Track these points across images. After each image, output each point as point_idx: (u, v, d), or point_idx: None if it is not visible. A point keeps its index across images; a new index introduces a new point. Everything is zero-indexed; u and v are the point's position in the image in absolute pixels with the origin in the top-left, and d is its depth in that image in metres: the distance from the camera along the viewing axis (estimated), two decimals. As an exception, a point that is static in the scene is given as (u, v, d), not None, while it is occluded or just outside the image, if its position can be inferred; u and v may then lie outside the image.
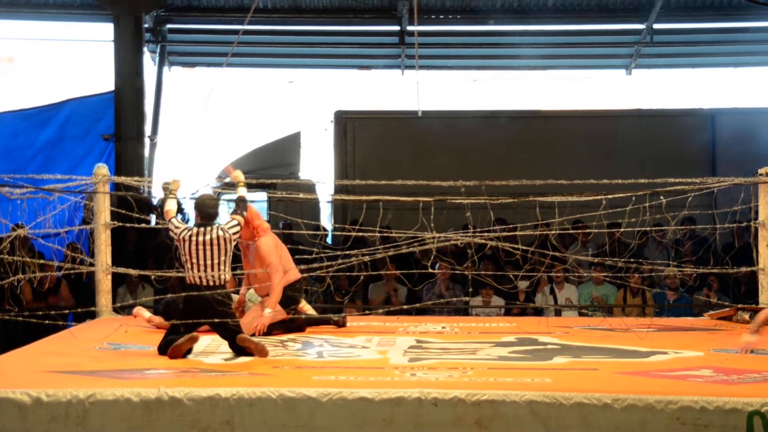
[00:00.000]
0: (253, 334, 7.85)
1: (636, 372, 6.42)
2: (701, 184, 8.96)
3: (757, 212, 9.22)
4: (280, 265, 8.27)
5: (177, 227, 7.32)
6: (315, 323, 8.78)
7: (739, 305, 9.38)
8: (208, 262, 7.14)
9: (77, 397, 5.56)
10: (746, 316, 9.04)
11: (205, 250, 7.17)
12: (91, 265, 9.44)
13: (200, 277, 7.15)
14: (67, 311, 8.98)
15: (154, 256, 12.29)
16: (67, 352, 7.19)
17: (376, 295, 12.17)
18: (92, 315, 9.33)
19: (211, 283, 7.16)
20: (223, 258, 7.20)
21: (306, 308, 8.84)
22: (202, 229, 7.26)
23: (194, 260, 7.16)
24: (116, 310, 9.59)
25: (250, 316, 8.23)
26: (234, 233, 7.32)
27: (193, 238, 7.21)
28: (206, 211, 7.42)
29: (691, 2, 16.71)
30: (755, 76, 19.39)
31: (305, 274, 9.18)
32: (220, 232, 7.25)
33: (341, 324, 8.86)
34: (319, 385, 5.72)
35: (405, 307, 10.13)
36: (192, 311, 7.13)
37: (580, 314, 11.52)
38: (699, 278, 11.12)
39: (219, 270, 7.16)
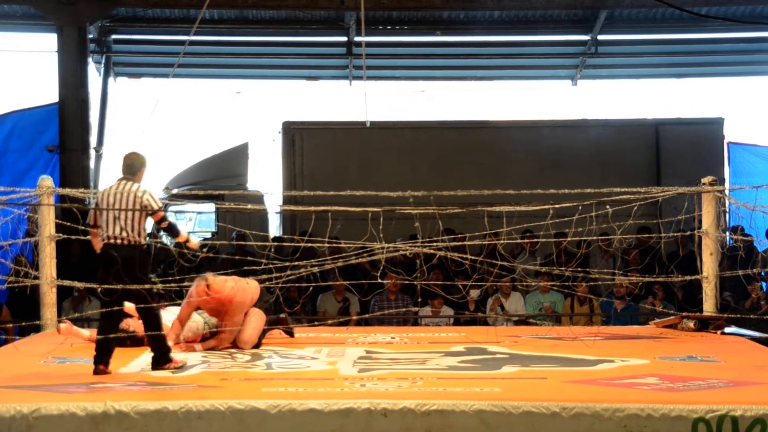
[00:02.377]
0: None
1: (583, 380, 6.47)
2: (646, 194, 9.06)
3: (700, 221, 9.35)
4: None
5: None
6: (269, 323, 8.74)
7: (684, 313, 9.49)
8: (119, 217, 6.88)
9: (21, 412, 5.48)
10: (691, 324, 9.16)
11: (115, 201, 6.95)
12: (36, 278, 9.30)
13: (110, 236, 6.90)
14: (11, 324, 8.84)
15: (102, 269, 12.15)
16: (10, 366, 7.07)
17: (325, 305, 12.14)
18: (37, 329, 9.20)
19: (124, 242, 6.91)
20: (132, 216, 6.92)
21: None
22: (117, 182, 7.08)
23: (106, 215, 6.92)
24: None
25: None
26: (146, 200, 7.01)
27: (108, 190, 7.05)
28: (125, 163, 7.23)
29: (634, 14, 16.93)
30: (698, 86, 19.70)
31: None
32: (137, 191, 6.99)
33: (291, 334, 8.82)
34: (268, 397, 5.68)
35: (354, 318, 10.11)
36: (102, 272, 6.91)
37: (527, 323, 11.58)
38: (644, 287, 11.25)
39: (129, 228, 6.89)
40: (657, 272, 9.58)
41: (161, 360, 6.97)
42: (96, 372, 6.78)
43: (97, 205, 7.07)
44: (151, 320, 7.06)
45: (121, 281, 6.88)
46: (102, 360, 6.84)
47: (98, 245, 7.08)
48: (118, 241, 6.92)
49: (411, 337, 9.05)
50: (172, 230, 7.36)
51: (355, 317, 10.49)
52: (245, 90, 20.10)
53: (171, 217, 7.25)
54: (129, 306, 8.35)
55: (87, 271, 11.89)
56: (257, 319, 8.38)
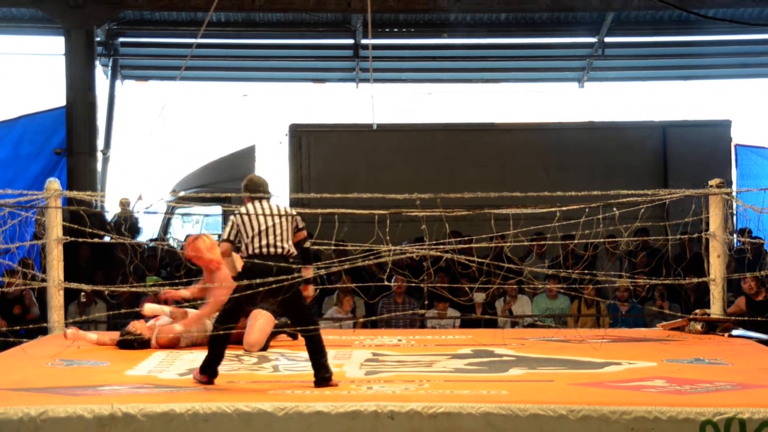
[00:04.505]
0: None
1: (590, 383, 6.46)
2: (653, 196, 9.05)
3: (707, 223, 9.33)
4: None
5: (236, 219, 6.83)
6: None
7: (691, 315, 9.48)
8: (275, 231, 6.66)
9: (29, 415, 5.48)
10: (698, 327, 9.14)
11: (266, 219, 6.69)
12: (43, 280, 9.33)
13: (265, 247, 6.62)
14: (18, 327, 8.86)
15: (106, 272, 12.19)
16: (18, 369, 7.09)
17: (331, 306, 12.14)
18: (44, 331, 9.22)
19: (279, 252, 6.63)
20: (285, 227, 6.72)
21: None
22: (258, 202, 6.86)
23: (255, 231, 6.64)
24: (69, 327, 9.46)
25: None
26: (289, 211, 6.88)
27: (252, 211, 6.77)
28: (256, 189, 7.02)
29: (641, 16, 16.93)
30: (705, 89, 19.69)
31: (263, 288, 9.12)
32: (274, 204, 6.86)
33: (295, 336, 8.80)
34: (275, 400, 5.69)
35: (361, 320, 10.12)
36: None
37: (532, 325, 11.58)
38: (652, 289, 11.24)
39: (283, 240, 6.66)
40: (663, 274, 9.55)
41: (326, 375, 6.49)
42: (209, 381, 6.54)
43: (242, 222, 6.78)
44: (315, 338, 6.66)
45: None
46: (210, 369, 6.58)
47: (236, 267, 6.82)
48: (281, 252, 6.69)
49: (418, 339, 9.04)
50: (308, 257, 7.09)
51: (361, 319, 10.49)
52: (252, 93, 20.14)
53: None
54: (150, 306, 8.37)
55: (94, 275, 11.98)
56: (265, 321, 8.35)
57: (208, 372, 6.52)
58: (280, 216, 6.79)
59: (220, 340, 6.60)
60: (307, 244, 7.01)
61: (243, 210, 6.84)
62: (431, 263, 9.55)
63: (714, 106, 19.93)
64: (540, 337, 9.21)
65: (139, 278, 9.02)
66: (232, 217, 6.91)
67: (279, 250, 6.66)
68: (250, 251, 6.64)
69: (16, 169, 14.65)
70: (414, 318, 11.60)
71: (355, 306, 12.08)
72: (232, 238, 6.81)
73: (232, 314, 6.70)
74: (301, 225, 6.92)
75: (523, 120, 18.23)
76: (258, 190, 7.02)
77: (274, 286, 6.51)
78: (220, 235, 14.60)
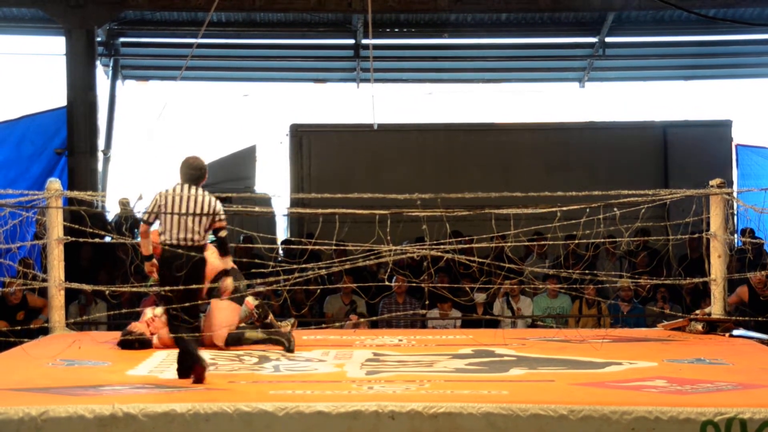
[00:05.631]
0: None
1: (591, 383, 6.46)
2: (654, 196, 9.05)
3: (708, 223, 9.33)
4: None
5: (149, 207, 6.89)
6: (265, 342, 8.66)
7: (692, 315, 9.48)
8: (185, 222, 6.73)
9: (30, 415, 5.49)
10: (699, 327, 9.15)
11: (180, 204, 6.77)
12: (44, 280, 9.33)
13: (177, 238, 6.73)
14: (19, 327, 8.86)
15: (108, 271, 12.18)
16: (19, 369, 7.09)
17: (332, 307, 12.15)
18: (45, 331, 9.22)
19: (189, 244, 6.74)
20: (204, 221, 6.77)
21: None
22: (179, 186, 6.89)
23: (168, 219, 6.74)
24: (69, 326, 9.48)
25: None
26: (215, 203, 6.88)
27: (168, 196, 6.83)
28: (187, 172, 6.99)
29: (642, 16, 16.91)
30: (706, 89, 19.66)
31: (263, 288, 9.13)
32: (206, 197, 6.86)
33: (291, 349, 8.68)
34: (276, 400, 5.69)
35: (362, 320, 10.11)
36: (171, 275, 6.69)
37: (533, 326, 11.58)
38: (653, 290, 11.23)
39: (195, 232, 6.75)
40: (664, 275, 9.55)
41: (185, 373, 6.68)
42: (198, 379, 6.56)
43: (157, 206, 6.85)
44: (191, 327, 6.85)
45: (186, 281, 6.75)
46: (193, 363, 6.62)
47: (148, 246, 6.93)
48: (189, 243, 6.79)
49: (418, 339, 9.05)
50: (226, 248, 7.15)
51: (361, 320, 10.49)
52: (253, 93, 20.10)
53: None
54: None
55: (95, 275, 11.97)
56: (225, 315, 8.26)
57: (194, 366, 6.55)
58: (201, 209, 6.83)
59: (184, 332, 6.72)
60: (223, 234, 7.03)
61: (166, 193, 6.88)
62: (432, 263, 9.55)
63: (714, 106, 19.90)
64: (541, 337, 9.22)
65: (140, 278, 9.01)
66: (156, 196, 6.93)
67: (190, 243, 6.78)
68: (165, 238, 6.77)
69: (17, 170, 14.65)
70: (415, 318, 11.60)
71: (356, 305, 12.08)
72: (151, 220, 6.89)
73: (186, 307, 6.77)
74: (222, 216, 6.95)
75: (523, 120, 18.21)
76: (189, 173, 6.99)
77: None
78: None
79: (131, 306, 10.03)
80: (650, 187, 9.44)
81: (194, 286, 6.78)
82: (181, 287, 6.70)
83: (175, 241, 6.78)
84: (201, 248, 6.85)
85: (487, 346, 8.34)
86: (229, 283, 7.19)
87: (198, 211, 6.81)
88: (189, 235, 6.79)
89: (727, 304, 9.51)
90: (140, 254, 7.07)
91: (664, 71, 18.73)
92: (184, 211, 6.79)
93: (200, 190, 6.94)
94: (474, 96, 19.53)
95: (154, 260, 6.88)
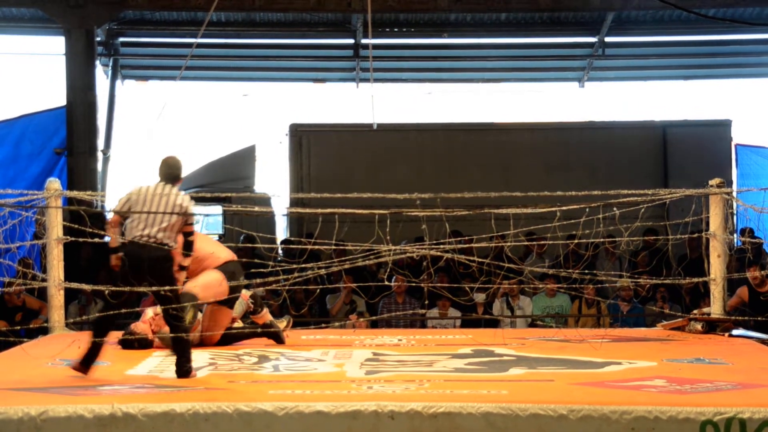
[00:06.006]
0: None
1: (591, 383, 6.46)
2: (653, 196, 9.05)
3: (708, 223, 9.34)
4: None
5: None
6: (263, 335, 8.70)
7: (691, 315, 9.48)
8: (158, 222, 6.78)
9: (29, 415, 5.48)
10: (698, 326, 9.14)
11: (152, 202, 6.82)
12: (44, 280, 9.33)
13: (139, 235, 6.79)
14: (19, 327, 8.87)
15: (107, 272, 12.16)
16: (18, 368, 7.09)
17: (333, 303, 12.15)
18: (44, 331, 9.22)
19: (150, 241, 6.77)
20: (172, 219, 6.81)
21: (265, 320, 8.78)
22: (153, 185, 6.95)
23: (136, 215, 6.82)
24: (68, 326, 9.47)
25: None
26: (186, 204, 6.91)
27: (142, 192, 6.91)
28: (164, 171, 7.05)
29: (641, 16, 16.92)
30: (706, 88, 19.68)
31: (262, 288, 9.14)
32: (173, 193, 6.90)
33: (282, 341, 8.70)
34: (275, 399, 5.68)
35: (362, 320, 10.11)
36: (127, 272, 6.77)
37: (533, 325, 11.58)
38: (653, 289, 11.23)
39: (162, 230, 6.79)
40: (664, 274, 9.56)
41: (184, 369, 6.73)
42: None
43: (130, 201, 6.92)
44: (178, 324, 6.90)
45: (144, 281, 6.81)
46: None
47: (116, 238, 6.96)
48: (151, 240, 6.81)
49: (418, 339, 9.05)
50: (189, 247, 7.19)
51: (361, 320, 10.49)
52: (252, 92, 20.13)
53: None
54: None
55: (95, 274, 11.95)
56: (221, 315, 8.33)
57: (85, 364, 6.68)
58: (171, 208, 6.87)
59: (103, 329, 6.81)
60: (191, 238, 7.08)
61: (139, 189, 6.96)
62: (431, 263, 9.55)
63: (714, 106, 19.92)
64: (540, 337, 9.21)
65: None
66: (129, 192, 7.00)
67: (152, 241, 6.80)
68: (130, 234, 6.83)
69: (16, 169, 14.64)
70: (414, 318, 11.61)
71: (355, 305, 12.08)
72: (124, 210, 6.93)
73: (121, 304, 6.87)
74: (191, 220, 7.01)
75: (523, 120, 18.23)
76: (166, 172, 7.05)
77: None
78: (221, 235, 14.67)
79: (131, 306, 10.01)
80: (650, 187, 9.44)
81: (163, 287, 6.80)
82: (124, 286, 6.79)
83: (137, 237, 6.81)
84: (166, 246, 6.83)
85: (487, 346, 8.34)
86: (181, 276, 7.20)
87: (167, 209, 6.85)
88: (152, 232, 6.81)
89: (728, 306, 9.51)
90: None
91: (663, 71, 18.74)
92: (154, 208, 6.84)
93: (174, 190, 6.98)
94: (474, 96, 19.56)
95: (121, 253, 6.88)
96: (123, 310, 6.98)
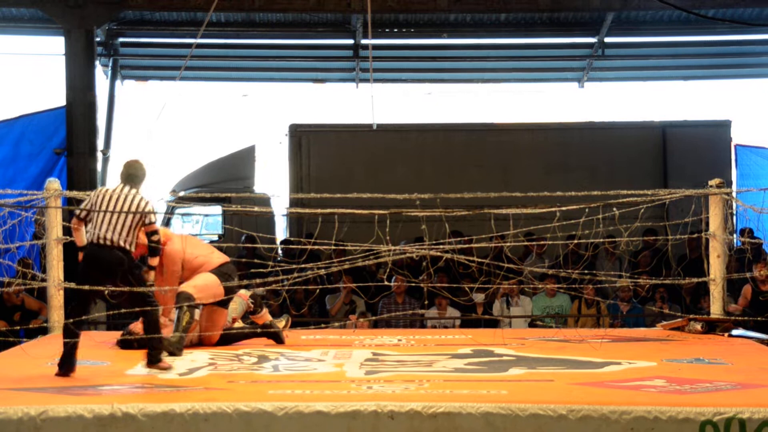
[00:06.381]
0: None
1: (590, 383, 6.46)
2: (653, 196, 9.05)
3: (707, 223, 9.34)
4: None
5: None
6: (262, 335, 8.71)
7: (691, 315, 9.48)
8: (110, 218, 6.89)
9: (29, 415, 5.49)
10: (698, 326, 9.15)
11: (109, 203, 6.93)
12: (43, 280, 9.33)
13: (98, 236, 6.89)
14: (18, 328, 8.86)
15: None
16: (18, 368, 7.09)
17: (333, 303, 12.15)
18: (44, 331, 9.21)
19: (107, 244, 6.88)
20: (125, 217, 6.90)
21: (264, 320, 8.79)
22: (115, 187, 7.08)
23: (94, 216, 6.94)
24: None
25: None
26: (144, 206, 6.99)
27: (101, 193, 7.04)
28: (124, 173, 7.18)
29: (641, 16, 16.91)
30: (705, 89, 19.70)
31: (262, 288, 9.15)
32: (131, 195, 6.99)
33: (281, 341, 8.71)
34: (275, 399, 5.69)
35: (362, 320, 10.11)
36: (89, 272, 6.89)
37: (533, 325, 11.58)
38: (652, 289, 11.23)
39: (119, 230, 6.89)
40: (663, 274, 9.56)
41: (154, 359, 6.97)
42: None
43: (90, 203, 7.06)
44: (151, 320, 7.07)
45: (112, 281, 6.96)
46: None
47: (81, 240, 7.09)
48: (107, 243, 6.91)
49: (418, 339, 9.05)
50: (154, 250, 7.29)
51: (361, 320, 10.48)
52: (252, 93, 20.16)
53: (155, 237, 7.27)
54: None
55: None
56: (218, 316, 8.35)
57: (65, 366, 6.73)
58: (128, 208, 6.96)
59: (72, 332, 6.84)
60: (155, 238, 7.17)
61: (100, 190, 7.09)
62: (431, 263, 9.55)
63: (714, 106, 19.95)
64: (540, 337, 9.21)
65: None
66: (92, 194, 7.14)
67: (108, 243, 6.88)
68: (90, 235, 6.93)
69: (15, 169, 14.62)
70: (414, 318, 11.61)
71: (355, 305, 12.08)
72: (82, 216, 7.05)
73: (83, 303, 6.98)
74: (153, 219, 7.10)
75: (523, 120, 18.23)
76: (128, 174, 7.17)
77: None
78: (220, 235, 14.66)
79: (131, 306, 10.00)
80: (649, 187, 9.44)
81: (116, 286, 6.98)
82: (82, 285, 6.92)
83: (95, 239, 6.91)
84: (121, 249, 6.91)
85: (487, 346, 8.34)
86: (149, 276, 7.29)
87: (125, 210, 6.93)
88: (109, 234, 6.90)
89: (737, 307, 9.51)
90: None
91: (663, 71, 18.74)
92: (112, 209, 6.94)
93: (134, 191, 7.07)
94: (473, 96, 19.57)
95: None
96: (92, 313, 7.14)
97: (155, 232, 7.18)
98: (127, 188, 7.08)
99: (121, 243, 6.91)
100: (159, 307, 8.09)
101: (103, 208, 6.94)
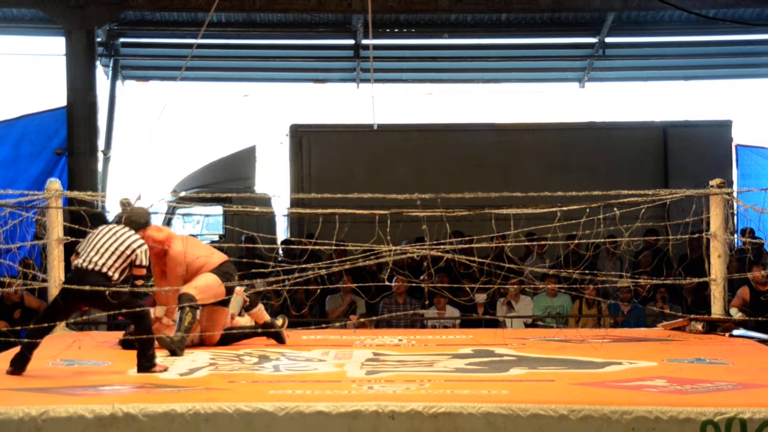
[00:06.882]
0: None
1: (591, 383, 6.46)
2: (654, 196, 9.05)
3: (708, 223, 9.34)
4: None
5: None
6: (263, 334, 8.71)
7: (692, 315, 9.48)
8: (99, 247, 7.04)
9: (30, 415, 5.49)
10: (699, 326, 9.14)
11: (102, 236, 7.09)
12: (44, 281, 9.33)
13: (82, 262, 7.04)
14: (19, 328, 8.85)
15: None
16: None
17: (333, 305, 12.15)
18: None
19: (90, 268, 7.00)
20: (114, 248, 7.05)
21: (259, 316, 8.80)
22: (114, 227, 7.25)
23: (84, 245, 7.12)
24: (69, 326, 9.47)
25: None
26: (137, 246, 7.16)
27: (98, 228, 7.22)
28: (129, 218, 7.40)
29: (642, 16, 16.92)
30: (706, 89, 19.70)
31: (264, 288, 9.15)
32: (127, 234, 7.16)
33: (282, 340, 8.73)
34: (276, 399, 5.69)
35: (362, 320, 10.10)
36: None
37: (533, 325, 11.57)
38: (653, 289, 11.22)
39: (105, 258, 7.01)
40: (664, 275, 9.56)
41: (147, 365, 6.97)
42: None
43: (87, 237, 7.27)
44: (142, 324, 7.12)
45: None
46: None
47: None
48: (90, 266, 7.01)
49: (418, 339, 9.04)
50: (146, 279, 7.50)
51: (363, 320, 10.48)
52: (253, 93, 20.16)
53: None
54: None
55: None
56: (218, 315, 8.37)
57: (17, 365, 6.78)
58: (120, 242, 7.13)
59: (37, 336, 6.89)
60: (139, 282, 7.33)
61: (97, 229, 7.31)
62: (432, 263, 9.55)
63: (714, 106, 19.95)
64: (541, 337, 9.21)
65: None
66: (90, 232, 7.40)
67: (92, 266, 7.01)
68: (77, 263, 7.11)
69: (16, 169, 14.63)
70: (415, 318, 11.60)
71: (355, 305, 12.08)
72: (79, 250, 7.24)
73: (54, 313, 7.07)
74: (144, 263, 7.24)
75: (523, 120, 18.22)
76: (129, 219, 7.42)
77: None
78: (221, 236, 14.65)
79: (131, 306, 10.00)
80: (650, 187, 9.44)
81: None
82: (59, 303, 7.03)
83: (80, 263, 7.05)
84: (103, 274, 6.99)
85: (487, 346, 8.34)
86: (137, 281, 7.40)
87: (116, 243, 7.08)
88: (95, 258, 7.02)
89: (731, 307, 9.51)
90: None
91: (664, 71, 18.75)
92: (105, 240, 7.10)
93: (128, 231, 7.24)
94: (474, 96, 19.57)
95: None
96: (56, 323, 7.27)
97: (143, 277, 7.33)
98: (126, 228, 7.27)
99: (104, 269, 7.00)
100: (151, 314, 8.15)
101: (99, 238, 7.11)
